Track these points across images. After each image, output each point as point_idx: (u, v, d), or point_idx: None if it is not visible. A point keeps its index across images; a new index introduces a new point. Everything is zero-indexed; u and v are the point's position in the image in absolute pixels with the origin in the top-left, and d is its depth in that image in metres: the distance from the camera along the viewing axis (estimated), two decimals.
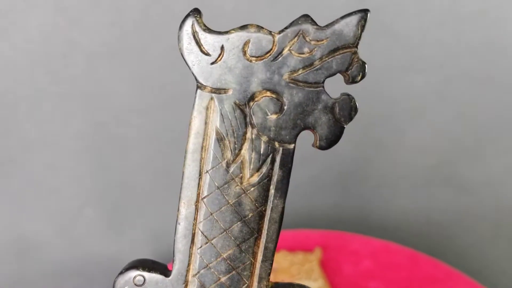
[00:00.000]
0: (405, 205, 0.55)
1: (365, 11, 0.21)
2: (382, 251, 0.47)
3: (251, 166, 0.20)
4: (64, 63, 0.48)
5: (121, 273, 0.22)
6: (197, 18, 0.20)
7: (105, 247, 0.54)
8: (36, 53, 0.48)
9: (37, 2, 0.46)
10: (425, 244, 0.52)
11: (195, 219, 0.21)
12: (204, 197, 0.21)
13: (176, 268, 0.21)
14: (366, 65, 0.22)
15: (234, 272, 0.21)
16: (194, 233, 0.21)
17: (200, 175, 0.21)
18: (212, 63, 0.20)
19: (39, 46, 0.48)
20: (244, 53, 0.20)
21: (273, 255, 0.21)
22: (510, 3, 0.49)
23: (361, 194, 0.55)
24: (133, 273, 0.22)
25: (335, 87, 0.24)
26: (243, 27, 0.20)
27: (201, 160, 0.20)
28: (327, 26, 0.20)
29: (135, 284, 0.21)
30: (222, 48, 0.20)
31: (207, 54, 0.20)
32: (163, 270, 0.22)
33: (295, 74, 0.20)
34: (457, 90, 0.52)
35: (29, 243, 0.53)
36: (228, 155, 0.20)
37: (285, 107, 0.20)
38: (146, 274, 0.21)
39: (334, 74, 0.21)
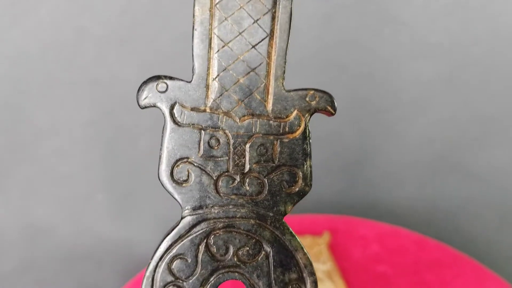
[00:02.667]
0: (412, 192, 0.56)
1: None
2: (389, 235, 0.47)
3: None
4: (75, 50, 0.49)
5: (144, 83, 0.21)
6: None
7: (114, 232, 0.54)
8: (47, 40, 0.48)
9: None
10: (432, 230, 0.52)
11: (210, 24, 0.21)
12: (217, 3, 0.21)
13: (196, 73, 0.21)
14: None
15: (251, 72, 0.21)
16: (211, 37, 0.21)
17: None
18: None
19: (50, 34, 0.48)
20: None
21: (286, 54, 0.21)
22: None
23: (368, 181, 0.56)
24: (155, 81, 0.21)
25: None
26: None
27: None
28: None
29: (158, 91, 0.21)
30: None
31: None
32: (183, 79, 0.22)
33: None
34: (464, 78, 0.52)
35: (40, 228, 0.54)
36: None
37: None
38: (168, 81, 0.21)
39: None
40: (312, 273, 0.21)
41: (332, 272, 0.44)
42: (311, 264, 0.21)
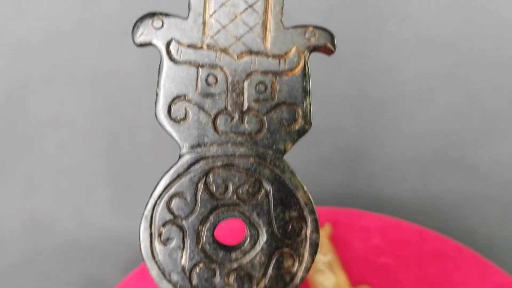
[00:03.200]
0: (414, 185, 0.56)
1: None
2: (391, 227, 0.47)
3: None
4: (77, 43, 0.49)
5: (139, 20, 0.21)
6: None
7: (116, 226, 0.55)
8: (49, 32, 0.48)
9: None
10: (434, 223, 0.52)
11: None
12: None
13: (193, 9, 0.21)
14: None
15: (249, 8, 0.21)
16: None
17: None
18: None
19: (52, 26, 0.48)
20: None
21: None
22: None
23: (370, 173, 0.56)
24: (151, 18, 0.21)
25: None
26: None
27: None
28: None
29: (154, 27, 0.21)
30: None
31: None
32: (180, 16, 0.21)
33: None
34: (467, 72, 0.52)
35: (42, 221, 0.54)
36: None
37: None
38: (164, 18, 0.21)
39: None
40: (313, 211, 0.21)
41: (333, 264, 0.44)
42: (311, 203, 0.21)
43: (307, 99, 0.21)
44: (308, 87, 0.21)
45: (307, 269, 0.21)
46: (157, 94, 0.21)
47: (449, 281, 0.44)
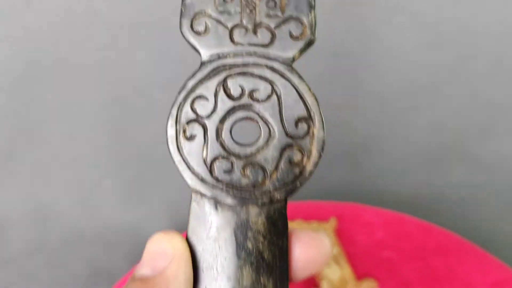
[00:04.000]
0: (418, 180, 0.56)
1: None
2: (395, 222, 0.48)
3: None
4: (87, 34, 0.49)
5: None
6: None
7: (123, 217, 0.55)
8: (60, 24, 0.49)
9: None
10: (437, 218, 0.52)
11: None
12: None
13: None
14: None
15: None
16: None
17: None
18: None
19: (63, 17, 0.48)
20: None
21: None
22: None
23: (375, 168, 0.56)
24: None
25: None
26: None
27: None
28: None
29: None
30: None
31: None
32: None
33: None
34: (472, 68, 0.52)
35: (49, 212, 0.55)
36: None
37: None
38: None
39: None
40: (319, 112, 0.23)
41: (338, 257, 0.45)
42: (317, 104, 0.23)
43: (312, 13, 0.24)
44: (313, 2, 0.24)
45: (315, 164, 0.23)
46: (181, 10, 0.24)
47: (452, 275, 0.45)
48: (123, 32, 0.50)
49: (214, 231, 0.23)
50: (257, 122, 0.23)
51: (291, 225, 0.36)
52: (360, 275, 0.45)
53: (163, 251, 0.22)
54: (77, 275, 0.55)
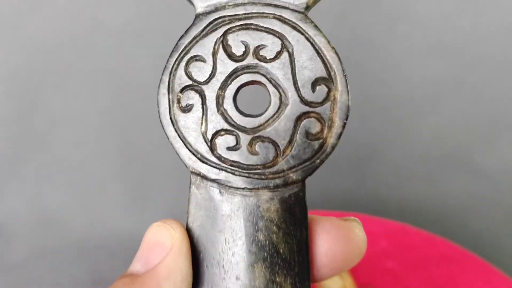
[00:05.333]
0: (421, 189, 0.56)
1: None
2: (398, 232, 0.48)
3: None
4: (91, 41, 0.49)
5: None
6: None
7: (127, 222, 0.55)
8: (64, 30, 0.49)
9: None
10: (440, 228, 0.52)
11: None
12: None
13: None
14: None
15: None
16: None
17: None
18: None
19: (67, 24, 0.49)
20: None
21: None
22: None
23: (377, 178, 0.56)
24: None
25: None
26: None
27: None
28: None
29: None
30: None
31: None
32: None
33: None
34: (475, 76, 0.52)
35: (53, 217, 0.55)
36: None
37: None
38: None
39: None
40: (342, 70, 0.19)
41: None
42: (339, 61, 0.19)
43: None
44: None
45: (338, 135, 0.19)
46: None
47: (455, 286, 0.45)
48: (127, 38, 0.50)
49: (219, 221, 0.19)
50: (265, 86, 0.19)
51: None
52: (362, 285, 0.45)
53: (159, 242, 0.19)
54: (80, 281, 0.55)
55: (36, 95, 0.51)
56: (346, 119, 0.19)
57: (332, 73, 0.19)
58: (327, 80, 0.19)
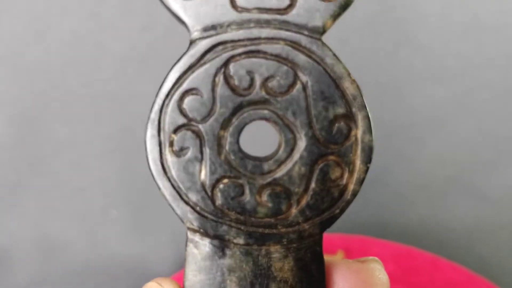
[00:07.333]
0: (424, 213, 0.56)
1: None
2: (403, 255, 0.47)
3: None
4: (95, 66, 0.50)
5: None
6: None
7: (129, 248, 0.55)
8: (69, 56, 0.49)
9: (72, 7, 0.48)
10: (444, 251, 0.52)
11: None
12: None
13: None
14: None
15: None
16: None
17: None
18: None
19: (72, 50, 0.49)
20: None
21: None
22: None
23: (380, 201, 0.56)
24: None
25: None
26: None
27: None
28: None
29: None
30: None
31: None
32: None
33: None
34: (477, 101, 0.53)
35: (54, 242, 0.54)
36: None
37: None
38: None
39: None
40: (363, 106, 0.17)
41: None
42: (361, 95, 0.17)
43: None
44: None
45: (361, 181, 0.17)
46: None
47: None
48: (131, 64, 0.50)
49: (221, 283, 0.16)
50: (276, 125, 0.16)
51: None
52: None
53: None
54: None
55: (38, 121, 0.51)
56: (370, 162, 0.17)
57: (354, 109, 0.17)
58: (348, 117, 0.17)
